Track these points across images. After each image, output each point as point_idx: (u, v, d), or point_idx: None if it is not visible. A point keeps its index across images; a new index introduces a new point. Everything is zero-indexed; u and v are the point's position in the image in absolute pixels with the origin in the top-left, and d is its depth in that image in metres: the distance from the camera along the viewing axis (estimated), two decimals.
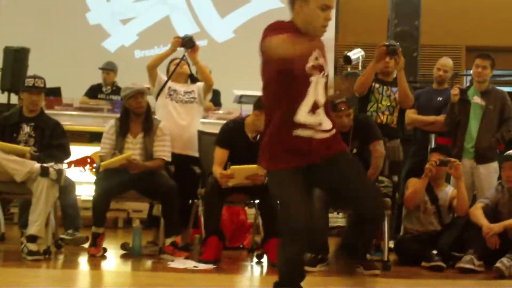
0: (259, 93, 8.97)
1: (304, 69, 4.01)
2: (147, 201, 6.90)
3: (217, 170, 6.44)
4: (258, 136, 6.46)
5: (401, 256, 6.84)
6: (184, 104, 7.19)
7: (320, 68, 4.07)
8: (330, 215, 6.49)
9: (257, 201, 6.66)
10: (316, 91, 4.05)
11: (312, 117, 4.03)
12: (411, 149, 7.95)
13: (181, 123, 7.13)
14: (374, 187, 4.54)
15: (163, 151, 6.71)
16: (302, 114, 4.02)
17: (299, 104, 4.01)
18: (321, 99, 4.07)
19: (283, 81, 3.99)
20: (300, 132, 4.03)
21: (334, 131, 4.16)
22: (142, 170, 6.51)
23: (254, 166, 5.99)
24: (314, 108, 4.04)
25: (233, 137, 6.61)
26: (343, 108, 6.38)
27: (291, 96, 4.02)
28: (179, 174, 6.87)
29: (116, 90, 9.18)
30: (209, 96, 7.48)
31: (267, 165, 4.15)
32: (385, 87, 7.18)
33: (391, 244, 6.89)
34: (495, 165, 7.25)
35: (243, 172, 6.29)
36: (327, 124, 4.11)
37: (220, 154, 6.57)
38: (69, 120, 8.43)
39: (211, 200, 6.42)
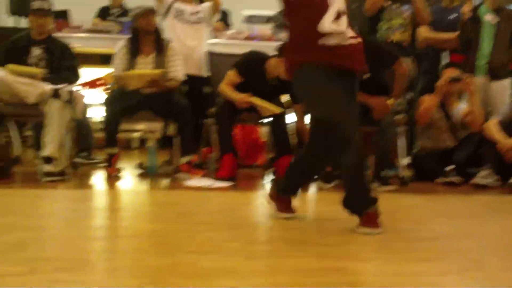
0: (267, 12, 8.90)
1: None
2: (161, 121, 6.88)
3: (231, 91, 6.44)
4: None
5: (417, 173, 6.85)
6: (192, 24, 7.13)
7: None
8: None
9: (269, 119, 6.65)
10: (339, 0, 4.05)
11: (336, 25, 4.01)
12: (424, 66, 7.88)
13: (190, 44, 7.09)
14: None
15: (177, 71, 6.66)
16: (327, 23, 4.04)
17: (324, 14, 4.04)
18: (344, 8, 4.05)
19: None
20: (325, 41, 4.05)
21: (359, 39, 4.18)
22: (161, 89, 6.47)
23: (275, 107, 6.31)
24: (338, 16, 4.05)
25: (252, 68, 6.58)
26: None
27: (317, 5, 4.06)
28: (190, 95, 6.84)
29: (124, 12, 9.07)
30: (217, 16, 7.44)
31: (298, 59, 4.14)
32: (396, 5, 7.08)
33: (407, 161, 6.90)
34: (507, 82, 7.21)
35: (261, 107, 6.34)
36: (350, 32, 4.09)
37: (233, 77, 6.54)
38: (78, 43, 8.32)
39: (222, 118, 6.42)
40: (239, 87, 6.49)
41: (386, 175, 6.17)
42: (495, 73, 7.22)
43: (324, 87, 4.05)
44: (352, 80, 4.23)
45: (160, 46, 6.67)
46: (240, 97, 6.36)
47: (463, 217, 4.93)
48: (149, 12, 6.62)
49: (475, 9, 7.36)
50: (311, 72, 4.10)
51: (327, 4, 4.05)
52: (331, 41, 4.07)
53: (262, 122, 6.83)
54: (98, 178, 6.39)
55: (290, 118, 6.64)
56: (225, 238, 3.85)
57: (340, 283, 2.97)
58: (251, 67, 6.57)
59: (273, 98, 6.53)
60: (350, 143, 4.00)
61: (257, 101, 6.33)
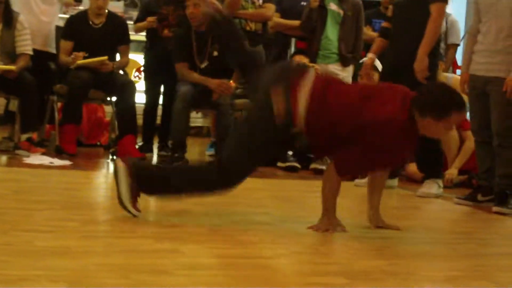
0: None
1: None
2: (3, 96, 6.72)
3: (64, 58, 6.71)
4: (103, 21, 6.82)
5: None
6: None
7: None
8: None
9: (114, 99, 6.66)
10: None
11: None
12: (272, 52, 8.01)
13: (43, 19, 6.95)
14: None
15: (26, 45, 6.56)
16: None
17: None
18: None
19: None
20: None
21: None
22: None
23: (99, 58, 6.48)
24: None
25: (77, 28, 6.80)
26: None
27: None
28: (36, 70, 6.70)
29: None
30: None
31: None
32: None
33: None
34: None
35: (89, 64, 6.54)
36: None
37: (65, 46, 6.78)
38: None
39: (76, 90, 6.52)
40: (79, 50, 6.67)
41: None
42: (343, 61, 7.42)
43: None
44: None
45: (8, 18, 6.49)
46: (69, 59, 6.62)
47: (298, 202, 5.09)
48: None
49: None
50: None
51: None
52: None
53: (106, 100, 6.81)
54: None
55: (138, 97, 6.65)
56: (62, 217, 3.83)
57: (174, 264, 3.01)
58: (74, 27, 6.83)
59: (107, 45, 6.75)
60: None
61: (81, 63, 6.51)
